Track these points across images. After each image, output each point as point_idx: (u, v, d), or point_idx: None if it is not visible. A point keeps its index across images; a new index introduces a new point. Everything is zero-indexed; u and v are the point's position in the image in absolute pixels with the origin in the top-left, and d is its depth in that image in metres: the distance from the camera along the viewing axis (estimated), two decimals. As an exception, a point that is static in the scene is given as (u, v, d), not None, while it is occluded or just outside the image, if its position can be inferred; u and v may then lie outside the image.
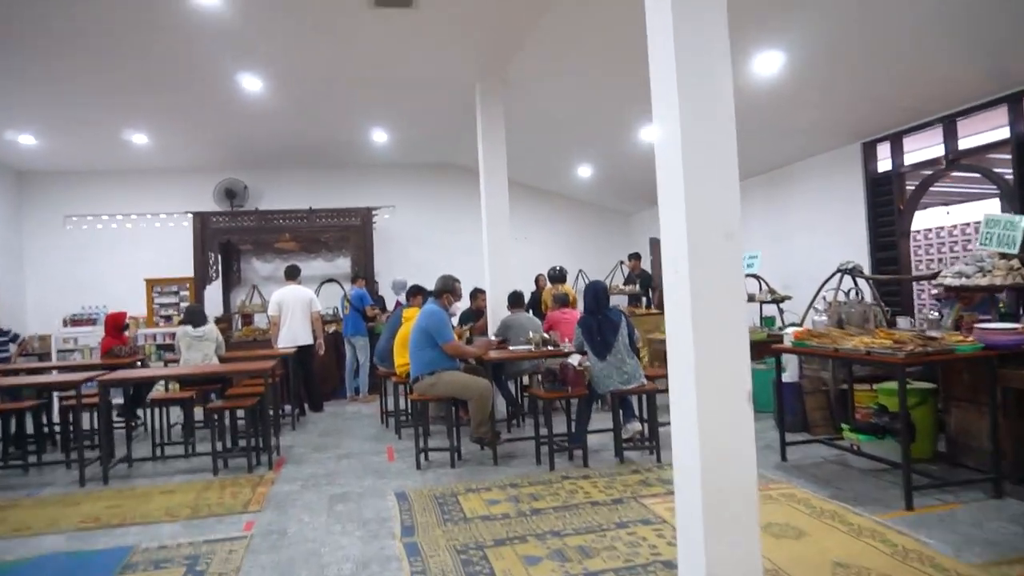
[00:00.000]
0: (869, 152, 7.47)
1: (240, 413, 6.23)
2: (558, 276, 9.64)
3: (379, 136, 9.85)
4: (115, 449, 6.33)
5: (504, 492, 4.70)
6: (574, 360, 5.32)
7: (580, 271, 12.07)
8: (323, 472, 5.51)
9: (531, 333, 6.06)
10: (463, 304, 7.75)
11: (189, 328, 6.94)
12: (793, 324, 6.92)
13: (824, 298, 6.38)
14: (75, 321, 9.90)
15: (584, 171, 10.93)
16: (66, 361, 9.10)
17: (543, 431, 5.52)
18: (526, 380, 7.25)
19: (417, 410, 5.62)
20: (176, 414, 7.47)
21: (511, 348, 5.93)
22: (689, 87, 2.95)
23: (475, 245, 11.58)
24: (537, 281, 10.95)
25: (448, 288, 5.65)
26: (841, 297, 6.20)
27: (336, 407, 8.81)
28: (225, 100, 8.09)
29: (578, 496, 4.53)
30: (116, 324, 7.69)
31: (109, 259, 10.81)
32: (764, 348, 7.29)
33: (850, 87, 6.54)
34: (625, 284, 10.80)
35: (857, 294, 6.28)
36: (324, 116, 8.96)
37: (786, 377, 6.21)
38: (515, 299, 7.11)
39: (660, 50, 3.06)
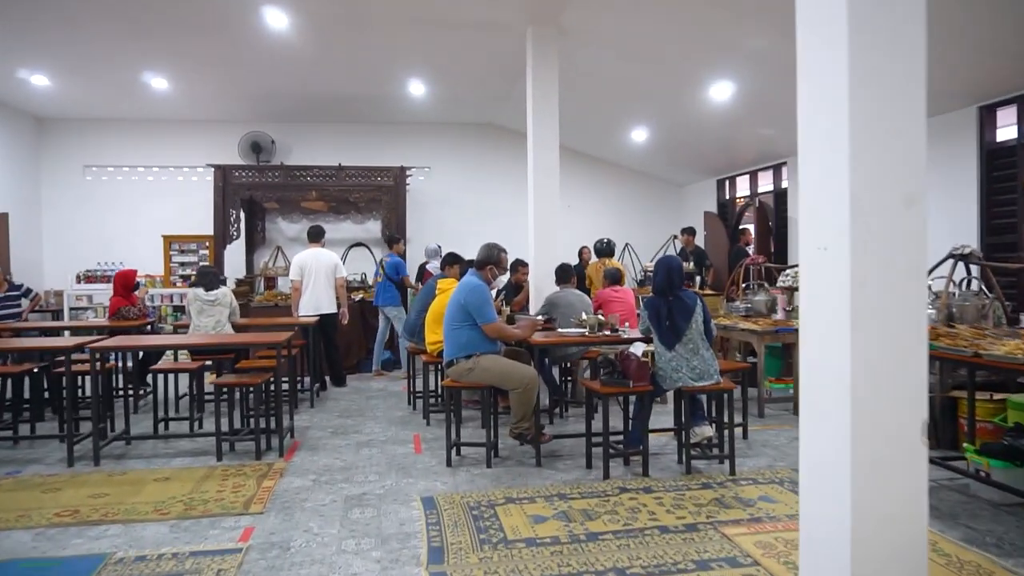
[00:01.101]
0: (987, 117, 6.40)
1: (252, 390, 5.55)
2: (605, 249, 8.79)
3: (416, 88, 9.01)
4: (115, 422, 5.73)
5: (551, 505, 3.93)
6: (638, 349, 4.50)
7: (627, 245, 11.17)
8: (340, 464, 4.81)
9: (584, 314, 5.24)
10: (507, 277, 6.96)
11: (200, 291, 6.27)
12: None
13: (930, 288, 5.42)
14: (89, 278, 9.36)
15: (638, 135, 9.97)
16: (77, 320, 8.56)
17: (595, 427, 4.73)
18: (568, 364, 6.48)
19: (450, 398, 4.86)
20: (186, 383, 6.82)
21: (560, 330, 5.12)
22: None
23: (515, 213, 10.86)
24: (581, 254, 10.11)
25: (493, 259, 4.84)
26: (952, 288, 5.25)
27: (360, 382, 8.14)
28: (250, 42, 7.34)
29: (641, 517, 3.74)
30: (126, 283, 7.06)
31: (127, 213, 10.24)
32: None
33: (971, 37, 5.49)
34: (677, 261, 9.86)
35: (970, 284, 5.32)
36: (358, 64, 8.15)
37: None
38: (564, 273, 6.29)
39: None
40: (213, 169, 8.97)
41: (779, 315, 6.59)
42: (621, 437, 4.87)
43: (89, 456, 4.87)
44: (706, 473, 4.49)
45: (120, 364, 6.25)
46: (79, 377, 5.74)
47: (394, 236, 8.71)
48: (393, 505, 3.99)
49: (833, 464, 2.12)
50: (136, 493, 4.21)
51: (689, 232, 9.91)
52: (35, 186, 10.13)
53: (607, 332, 4.91)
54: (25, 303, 8.22)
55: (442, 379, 6.37)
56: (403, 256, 8.50)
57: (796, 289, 6.81)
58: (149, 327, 7.23)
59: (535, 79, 6.71)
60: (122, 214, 10.24)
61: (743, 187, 10.55)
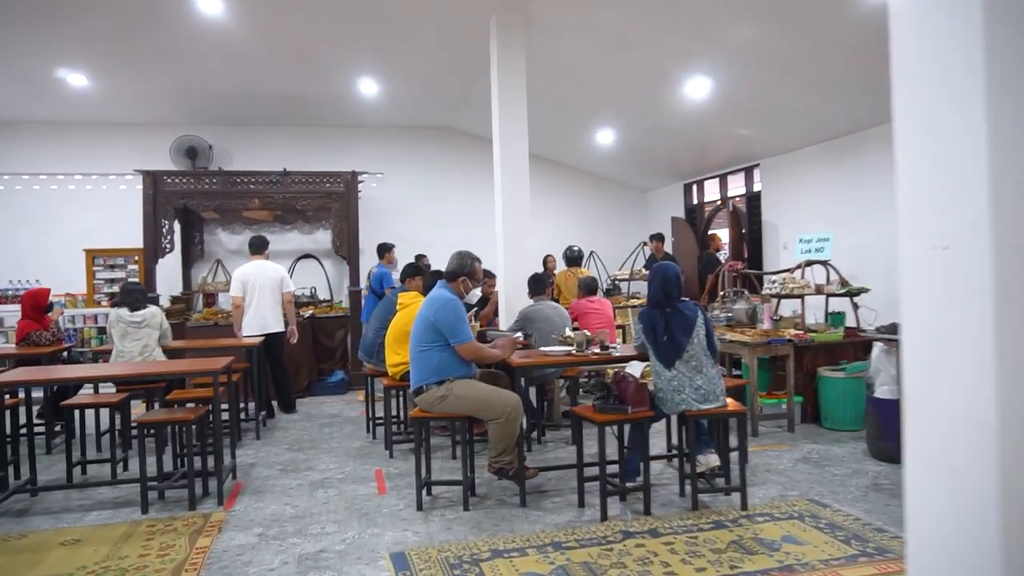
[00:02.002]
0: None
1: (184, 427, 4.77)
2: (575, 257, 8.29)
3: (368, 87, 8.33)
4: (19, 469, 4.87)
5: (546, 558, 3.32)
6: (635, 369, 3.94)
7: (592, 253, 10.68)
8: (291, 512, 4.10)
9: (567, 330, 4.67)
10: (480, 290, 6.37)
11: (124, 312, 5.47)
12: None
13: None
14: (0, 298, 8.33)
15: (604, 137, 9.49)
16: (-16, 346, 7.54)
17: (585, 457, 4.15)
18: (543, 383, 5.91)
19: (419, 431, 4.21)
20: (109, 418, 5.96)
21: (543, 349, 4.53)
22: None
23: (475, 221, 10.25)
24: (546, 263, 9.57)
25: (466, 269, 4.22)
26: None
27: (311, 406, 7.39)
28: (182, 34, 6.57)
29: (655, 571, 3.16)
30: (35, 304, 6.17)
31: (44, 225, 9.22)
32: (840, 351, 6.01)
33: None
34: (647, 268, 9.43)
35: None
36: (303, 59, 7.43)
37: (882, 392, 4.91)
38: (538, 285, 5.73)
39: None
40: (142, 175, 8.08)
41: (766, 324, 6.15)
42: (613, 467, 4.31)
43: (-17, 514, 4.04)
44: (715, 508, 3.95)
45: (28, 398, 5.40)
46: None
47: (385, 245, 7.98)
48: (357, 566, 3.32)
49: (971, 536, 1.58)
50: (34, 564, 3.42)
51: (658, 238, 9.48)
52: (-62, 196, 9.04)
53: (596, 350, 4.34)
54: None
55: (406, 405, 5.75)
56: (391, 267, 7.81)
57: (784, 296, 6.41)
58: (65, 353, 6.35)
59: (501, 74, 6.15)
60: (38, 227, 9.21)
61: (712, 191, 10.20)
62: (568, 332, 4.59)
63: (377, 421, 5.91)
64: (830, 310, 6.46)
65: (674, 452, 4.84)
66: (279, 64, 7.56)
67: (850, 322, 6.35)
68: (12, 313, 8.13)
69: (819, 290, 6.26)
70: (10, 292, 8.35)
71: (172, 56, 7.17)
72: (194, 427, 4.29)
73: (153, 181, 8.04)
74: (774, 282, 6.47)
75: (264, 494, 4.44)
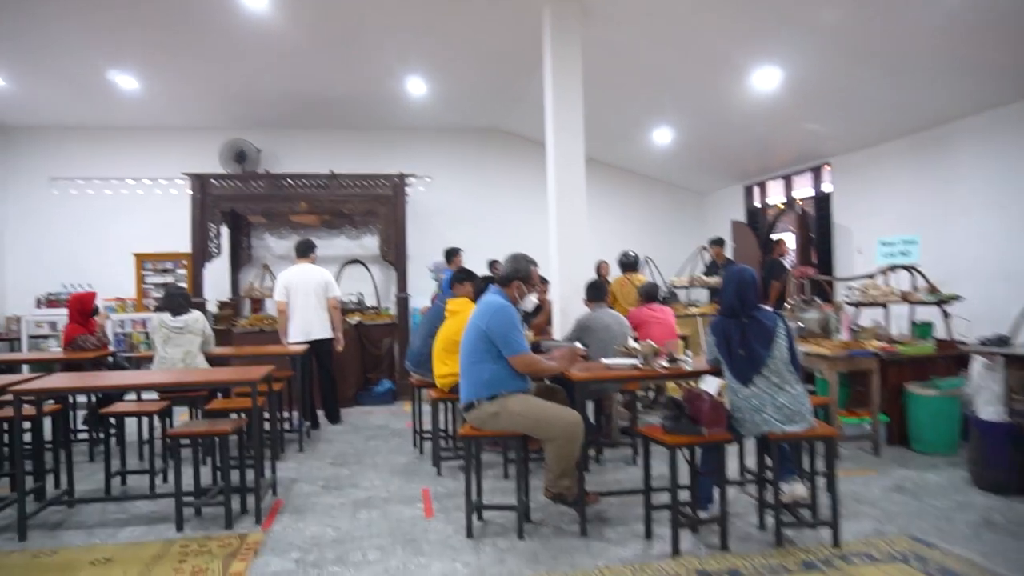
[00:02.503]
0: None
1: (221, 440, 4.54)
2: (631, 263, 7.87)
3: (416, 87, 8.09)
4: (59, 478, 4.71)
5: (613, 601, 2.93)
6: (711, 386, 3.53)
7: (648, 259, 10.22)
8: (332, 535, 3.80)
9: (630, 340, 4.28)
10: (536, 297, 6.01)
11: (166, 317, 5.30)
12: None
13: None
14: (52, 302, 8.36)
15: (661, 137, 9.05)
16: (37, 351, 7.54)
17: (654, 481, 3.74)
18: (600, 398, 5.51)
19: (469, 450, 3.87)
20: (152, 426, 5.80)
21: (604, 361, 4.14)
22: None
23: (525, 225, 9.94)
24: (599, 269, 9.15)
25: (521, 273, 3.86)
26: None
27: (357, 417, 7.15)
28: (231, 38, 6.48)
29: (740, 620, 2.74)
30: (82, 308, 6.07)
31: (96, 230, 9.26)
32: (931, 365, 5.45)
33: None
34: (707, 275, 8.93)
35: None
36: (350, 60, 7.25)
37: (987, 414, 4.36)
38: (597, 291, 5.35)
39: None
40: (191, 179, 8.00)
41: (843, 335, 5.63)
42: (682, 491, 3.88)
43: (19, 527, 3.85)
44: (801, 545, 3.49)
45: (70, 404, 5.28)
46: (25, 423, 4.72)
47: (453, 249, 7.68)
48: (401, 602, 2.99)
49: None
50: (61, 587, 3.20)
51: (718, 243, 8.98)
52: (-2, 201, 9.17)
53: (663, 363, 3.93)
54: (-21, 332, 7.24)
55: (454, 418, 5.43)
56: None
57: (865, 304, 5.87)
58: (110, 359, 6.24)
59: (555, 68, 5.82)
60: (91, 231, 9.26)
61: (776, 193, 9.63)
62: (631, 343, 4.19)
63: (424, 435, 5.60)
64: (916, 320, 5.90)
65: (749, 477, 4.40)
66: (326, 65, 7.40)
67: (939, 333, 5.77)
68: (63, 316, 8.14)
69: (904, 298, 5.71)
70: (62, 295, 8.37)
71: (221, 58, 7.10)
72: (234, 439, 4.04)
73: (201, 185, 7.95)
74: (853, 289, 5.94)
75: (304, 513, 4.17)
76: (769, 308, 3.63)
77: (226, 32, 6.40)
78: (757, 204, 10.05)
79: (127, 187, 9.41)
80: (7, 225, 9.23)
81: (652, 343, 4.07)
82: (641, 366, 3.94)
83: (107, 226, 9.24)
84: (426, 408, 5.40)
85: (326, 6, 6.02)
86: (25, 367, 7.07)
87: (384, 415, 7.25)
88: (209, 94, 8.20)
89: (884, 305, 5.71)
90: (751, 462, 4.50)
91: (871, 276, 5.94)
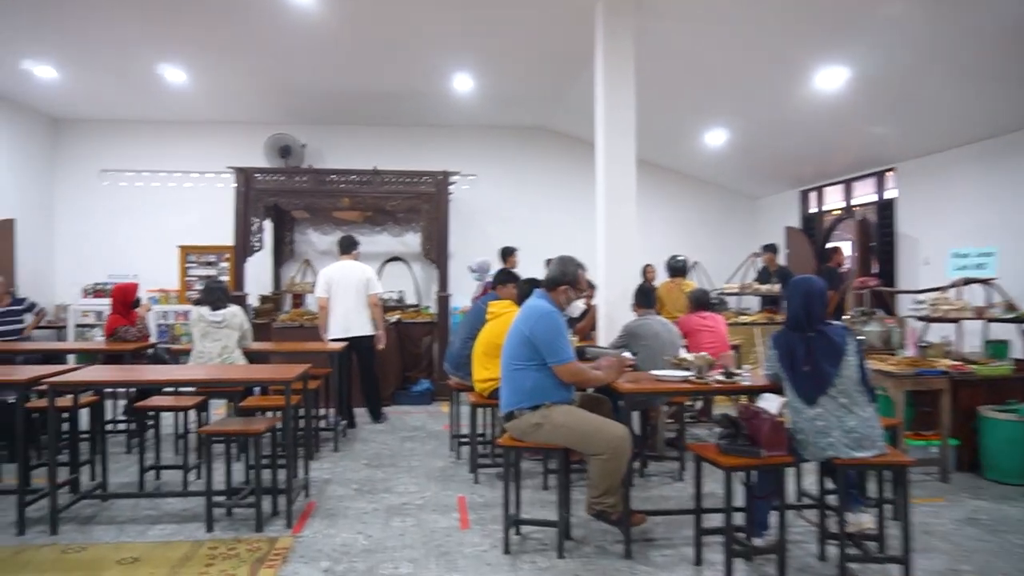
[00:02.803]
0: None
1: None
2: (680, 268, 7.58)
3: (462, 83, 7.93)
4: (95, 469, 4.67)
5: (661, 635, 2.70)
6: (771, 404, 3.26)
7: (696, 264, 9.88)
8: (363, 544, 3.65)
9: (681, 351, 4.03)
10: (583, 303, 5.79)
11: (205, 311, 5.23)
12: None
13: None
14: (99, 291, 8.45)
15: (713, 138, 8.72)
16: (83, 340, 7.61)
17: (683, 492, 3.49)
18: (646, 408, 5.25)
19: (508, 461, 3.67)
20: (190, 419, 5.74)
21: (654, 373, 3.90)
22: None
23: (569, 225, 9.75)
24: (645, 273, 8.85)
25: (569, 277, 3.65)
26: None
27: (394, 417, 7.03)
28: (277, 30, 6.39)
29: (804, 666, 2.48)
30: (124, 299, 6.08)
31: (144, 221, 9.35)
32: (1007, 387, 5.05)
33: None
34: (759, 282, 8.57)
35: None
36: (396, 52, 7.11)
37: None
38: (646, 297, 5.09)
39: None
40: (234, 172, 7.99)
41: (909, 351, 5.27)
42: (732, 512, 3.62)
43: (50, 519, 3.79)
44: (868, 579, 3.21)
45: (106, 396, 5.26)
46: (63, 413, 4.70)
47: (509, 248, 7.47)
48: (433, 623, 2.81)
49: None
50: (86, 587, 3.11)
51: (771, 250, 8.62)
52: (49, 191, 9.33)
53: (718, 377, 3.67)
54: (28, 319, 7.32)
55: (493, 423, 5.24)
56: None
57: (934, 320, 5.49)
58: (151, 350, 6.23)
59: (607, 65, 5.57)
60: (138, 222, 9.35)
61: (834, 199, 9.21)
62: (683, 353, 3.94)
63: (462, 439, 5.43)
64: (990, 337, 5.49)
65: (807, 500, 4.10)
66: (373, 60, 7.29)
67: (1016, 353, 5.36)
68: (108, 307, 8.23)
69: (979, 314, 5.31)
70: (108, 286, 8.45)
71: (268, 52, 7.06)
72: (269, 437, 3.92)
73: (245, 178, 7.92)
74: (921, 302, 5.56)
75: (336, 518, 4.03)
76: (838, 322, 3.34)
77: (274, 26, 6.34)
78: (813, 210, 9.63)
79: (174, 180, 9.48)
80: (58, 216, 9.39)
81: (706, 355, 3.81)
82: (694, 380, 3.69)
83: (154, 218, 9.33)
84: (464, 411, 5.24)
85: (374, 5, 5.91)
86: (71, 357, 7.18)
87: (421, 416, 7.11)
88: (255, 88, 8.19)
89: (955, 321, 5.32)
90: (808, 482, 4.21)
91: (942, 289, 5.55)
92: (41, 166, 9.16)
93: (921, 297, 5.60)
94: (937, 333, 5.92)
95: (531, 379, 3.48)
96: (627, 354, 3.97)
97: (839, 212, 9.19)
